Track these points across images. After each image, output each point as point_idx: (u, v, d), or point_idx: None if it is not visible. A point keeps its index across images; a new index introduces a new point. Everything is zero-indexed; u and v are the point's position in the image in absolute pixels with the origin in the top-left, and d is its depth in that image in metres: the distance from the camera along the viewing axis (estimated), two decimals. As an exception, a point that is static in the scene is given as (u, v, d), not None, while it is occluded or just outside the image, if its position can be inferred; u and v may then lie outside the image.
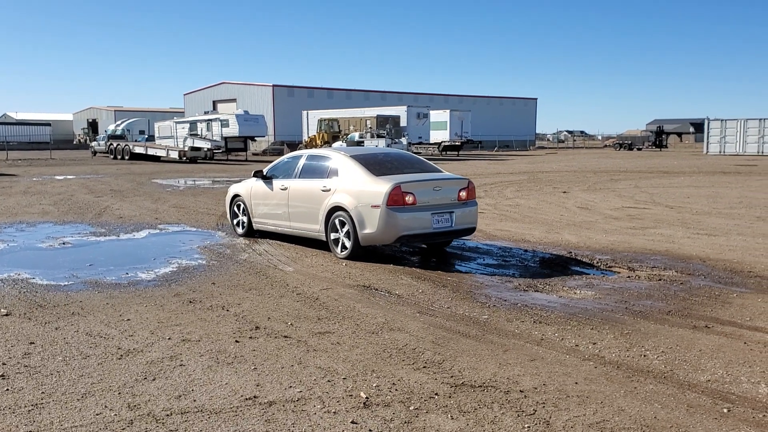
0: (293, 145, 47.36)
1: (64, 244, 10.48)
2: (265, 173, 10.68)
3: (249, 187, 10.92)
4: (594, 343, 5.45)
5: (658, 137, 67.38)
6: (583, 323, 6.02)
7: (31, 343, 5.52)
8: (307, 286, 7.50)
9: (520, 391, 4.46)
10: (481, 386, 4.54)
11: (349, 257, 8.92)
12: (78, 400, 4.32)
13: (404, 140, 40.80)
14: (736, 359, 5.06)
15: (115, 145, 44.60)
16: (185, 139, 42.11)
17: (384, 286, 7.51)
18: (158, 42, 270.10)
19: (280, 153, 44.62)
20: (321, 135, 44.89)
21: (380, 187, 8.65)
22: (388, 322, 6.08)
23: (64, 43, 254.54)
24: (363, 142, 38.78)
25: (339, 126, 46.46)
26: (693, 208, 14.91)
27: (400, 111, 48.32)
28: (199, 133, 42.70)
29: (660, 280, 7.75)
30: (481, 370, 4.86)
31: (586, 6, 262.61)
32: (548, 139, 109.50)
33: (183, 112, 71.61)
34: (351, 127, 45.49)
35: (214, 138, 41.29)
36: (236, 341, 5.54)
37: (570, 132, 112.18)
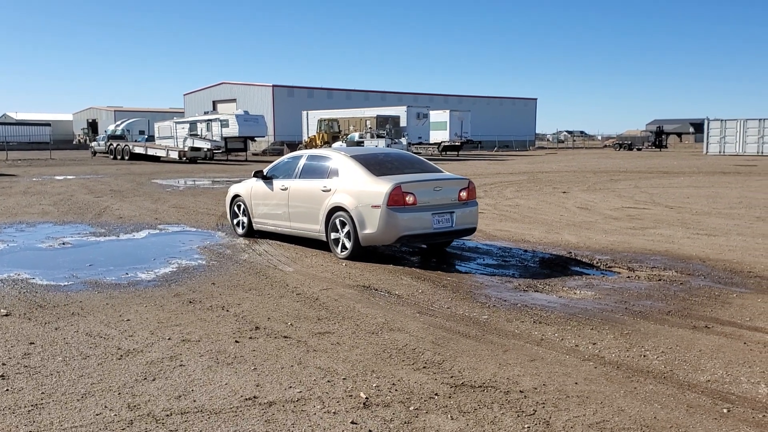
0: (293, 146, 47.37)
1: (63, 244, 10.48)
2: (265, 173, 10.68)
3: (249, 188, 10.92)
4: (594, 344, 5.45)
5: (658, 137, 67.41)
6: (582, 323, 6.02)
7: (30, 343, 5.52)
8: (307, 287, 7.50)
9: (520, 391, 4.46)
10: (481, 386, 4.54)
11: (349, 257, 8.92)
12: (78, 400, 4.32)
13: (404, 140, 40.81)
14: (736, 359, 5.06)
15: (114, 145, 44.60)
16: (185, 139, 42.10)
17: (384, 286, 7.51)
18: (158, 42, 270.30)
19: (280, 153, 44.64)
20: (321, 135, 44.90)
21: (381, 187, 8.65)
22: (388, 322, 6.08)
23: (64, 43, 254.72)
24: (363, 142, 38.77)
25: (339, 126, 46.47)
26: (693, 209, 14.92)
27: (399, 111, 48.32)
28: (198, 133, 42.70)
29: (660, 280, 7.76)
30: (481, 370, 4.86)
31: (586, 6, 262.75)
32: (548, 140, 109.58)
33: (183, 113, 71.62)
34: (351, 128, 45.50)
35: (214, 138, 41.29)
36: (236, 341, 5.54)
37: (570, 132, 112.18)
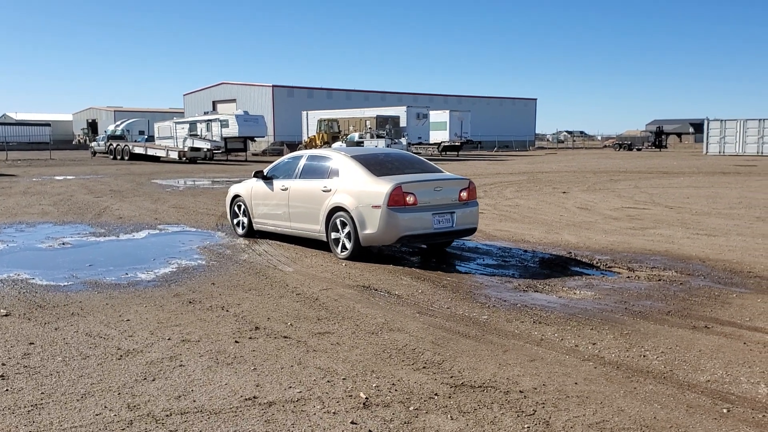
0: (293, 146, 47.35)
1: (63, 244, 10.47)
2: (265, 173, 10.68)
3: (249, 188, 10.91)
4: (594, 344, 5.45)
5: (658, 137, 67.44)
6: (582, 323, 6.02)
7: (30, 343, 5.52)
8: (307, 287, 7.50)
9: (520, 391, 4.46)
10: (480, 386, 4.54)
11: (349, 257, 8.91)
12: (78, 400, 4.32)
13: (404, 140, 40.81)
14: (736, 359, 5.06)
15: (114, 145, 44.60)
16: (185, 139, 42.10)
17: (384, 286, 7.51)
18: (158, 42, 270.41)
19: (280, 153, 44.63)
20: (321, 135, 44.90)
21: (381, 187, 8.65)
22: (388, 322, 6.08)
23: (64, 43, 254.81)
24: (363, 142, 38.76)
25: (339, 126, 46.46)
26: (692, 209, 14.92)
27: (399, 111, 48.32)
28: (198, 133, 42.70)
29: (660, 280, 7.76)
30: (481, 370, 4.86)
31: (586, 6, 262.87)
32: (548, 140, 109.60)
33: (183, 113, 71.63)
34: (351, 128, 45.49)
35: (214, 138, 41.29)
36: (236, 342, 5.54)
37: (569, 132, 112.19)
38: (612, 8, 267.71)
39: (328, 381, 4.64)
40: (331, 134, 44.76)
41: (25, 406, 4.23)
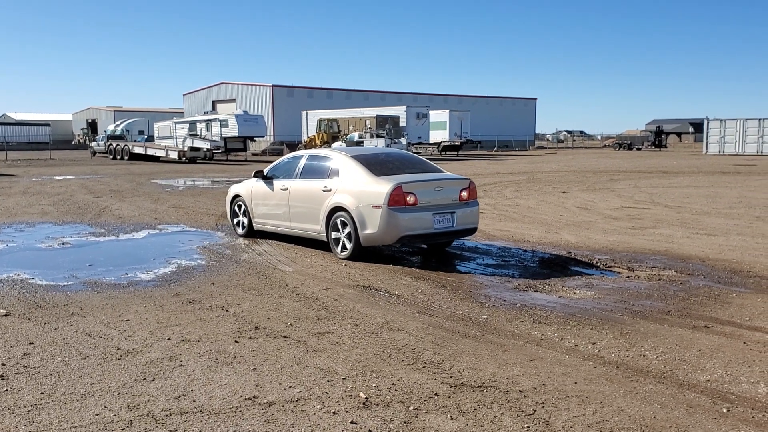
0: (292, 146, 47.36)
1: (63, 244, 10.47)
2: (265, 173, 10.68)
3: (249, 188, 10.91)
4: (593, 343, 5.45)
5: (658, 137, 67.41)
6: (582, 323, 6.02)
7: (30, 343, 5.52)
8: (307, 287, 7.50)
9: (520, 391, 4.46)
10: (480, 386, 4.54)
11: (349, 257, 8.91)
12: (77, 400, 4.32)
13: (404, 140, 40.79)
14: (736, 359, 5.06)
15: (114, 145, 44.60)
16: (184, 139, 42.12)
17: (383, 286, 7.51)
18: (158, 42, 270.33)
19: (280, 153, 44.63)
20: (320, 135, 44.90)
21: (381, 187, 8.65)
22: (388, 322, 6.08)
23: (64, 43, 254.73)
24: (362, 142, 38.75)
25: (338, 126, 46.45)
26: (692, 208, 14.92)
27: (399, 111, 48.32)
28: (198, 133, 42.71)
29: (659, 280, 7.76)
30: (481, 370, 4.86)
31: (586, 6, 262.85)
32: (548, 139, 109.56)
33: (182, 113, 71.60)
34: (350, 128, 45.48)
35: (214, 138, 41.29)
36: (236, 341, 5.54)
37: (569, 132, 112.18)
38: (612, 8, 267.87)
39: (328, 381, 4.64)
40: (331, 134, 44.76)
41: (24, 406, 4.23)
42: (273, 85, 64.52)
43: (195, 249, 9.97)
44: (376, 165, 9.20)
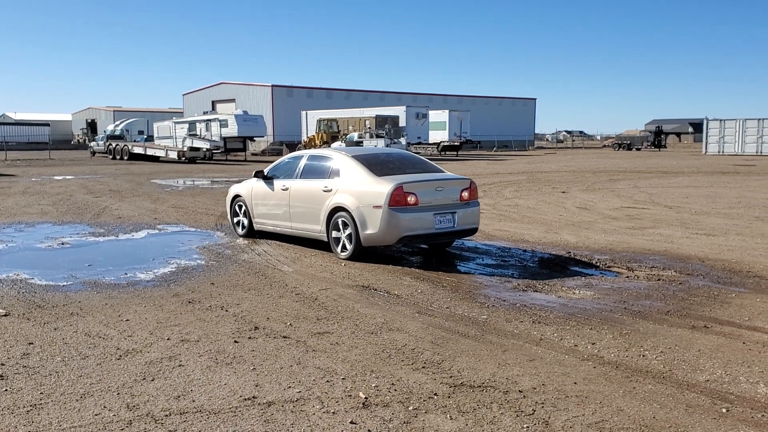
0: (292, 146, 47.35)
1: (63, 244, 10.47)
2: (266, 173, 10.67)
3: (250, 188, 10.91)
4: (593, 343, 5.46)
5: (657, 137, 67.42)
6: (582, 323, 6.02)
7: (29, 343, 5.52)
8: (307, 287, 7.50)
9: (519, 391, 4.46)
10: (480, 386, 4.54)
11: (350, 258, 8.91)
12: (77, 400, 4.32)
13: (403, 140, 40.79)
14: (735, 359, 5.07)
15: (113, 145, 44.58)
16: (184, 139, 42.10)
17: (383, 286, 7.51)
18: (158, 42, 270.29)
19: (279, 153, 44.63)
20: (320, 135, 44.88)
21: (382, 187, 8.65)
22: (387, 322, 6.08)
23: (64, 43, 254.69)
24: (362, 142, 38.75)
25: (338, 126, 46.44)
26: (692, 208, 14.93)
27: (399, 111, 48.30)
28: (198, 133, 42.69)
29: (659, 280, 7.76)
30: (480, 370, 4.86)
31: (586, 6, 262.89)
32: (547, 139, 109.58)
33: (182, 113, 71.58)
34: (350, 128, 45.47)
35: (213, 138, 41.28)
36: (235, 341, 5.54)
37: (569, 132, 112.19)
38: (612, 8, 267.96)
39: (328, 381, 4.65)
40: (331, 134, 44.74)
41: (24, 406, 4.23)
42: (273, 85, 64.51)
43: (194, 249, 9.97)
44: (377, 165, 9.19)
